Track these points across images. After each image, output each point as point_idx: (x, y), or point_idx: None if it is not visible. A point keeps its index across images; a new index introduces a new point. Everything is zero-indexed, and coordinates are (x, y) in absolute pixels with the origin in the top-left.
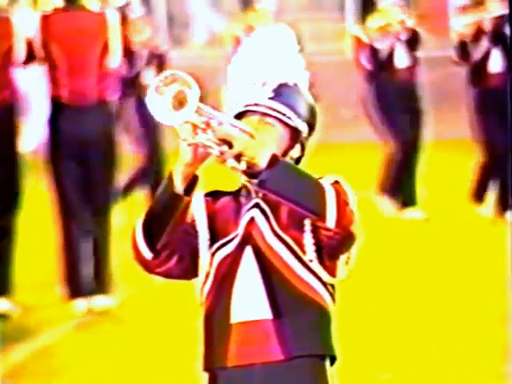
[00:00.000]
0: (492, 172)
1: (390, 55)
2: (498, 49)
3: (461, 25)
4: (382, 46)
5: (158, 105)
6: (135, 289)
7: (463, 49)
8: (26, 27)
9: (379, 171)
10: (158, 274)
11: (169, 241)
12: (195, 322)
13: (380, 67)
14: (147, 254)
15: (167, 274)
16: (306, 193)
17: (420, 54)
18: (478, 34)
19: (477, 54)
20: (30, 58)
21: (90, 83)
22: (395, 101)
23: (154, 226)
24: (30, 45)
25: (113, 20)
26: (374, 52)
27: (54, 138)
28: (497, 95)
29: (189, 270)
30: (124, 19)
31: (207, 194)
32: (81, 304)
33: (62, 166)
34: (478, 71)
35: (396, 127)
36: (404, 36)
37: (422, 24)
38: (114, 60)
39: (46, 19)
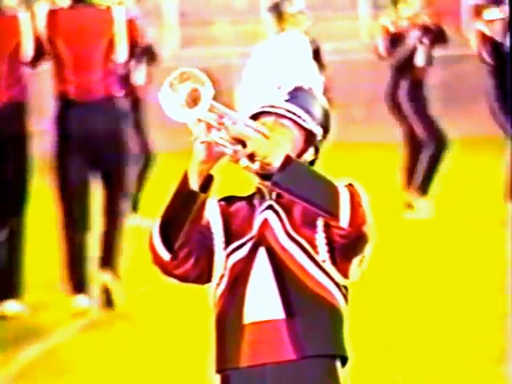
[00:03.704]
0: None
1: (413, 52)
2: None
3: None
4: (410, 40)
5: (171, 102)
6: (144, 287)
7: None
8: (33, 24)
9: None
10: (176, 276)
11: (186, 240)
12: (205, 321)
13: (403, 63)
14: (165, 256)
15: (184, 277)
16: (320, 192)
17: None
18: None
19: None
20: (39, 55)
21: (95, 79)
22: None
23: (170, 226)
24: (38, 41)
25: (119, 16)
26: (394, 43)
27: (61, 135)
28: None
29: (204, 274)
30: (130, 15)
31: (221, 200)
32: (82, 300)
33: (70, 163)
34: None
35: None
36: (427, 33)
37: (436, 22)
38: (121, 55)
39: (52, 15)
